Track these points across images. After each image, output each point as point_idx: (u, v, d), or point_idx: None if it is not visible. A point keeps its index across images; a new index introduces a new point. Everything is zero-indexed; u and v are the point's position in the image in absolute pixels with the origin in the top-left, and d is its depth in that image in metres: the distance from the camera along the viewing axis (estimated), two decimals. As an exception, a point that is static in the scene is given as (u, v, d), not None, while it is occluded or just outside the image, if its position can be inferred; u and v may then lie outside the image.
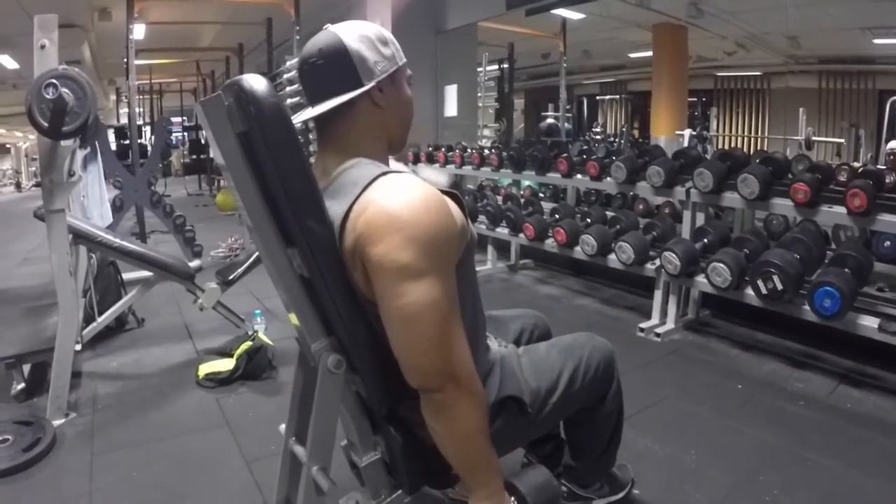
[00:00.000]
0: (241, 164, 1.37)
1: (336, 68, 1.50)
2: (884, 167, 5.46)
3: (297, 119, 1.55)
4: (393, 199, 1.38)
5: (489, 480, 1.50)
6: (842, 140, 10.34)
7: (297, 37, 8.67)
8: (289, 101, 8.01)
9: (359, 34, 1.51)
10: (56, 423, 3.04)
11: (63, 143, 2.99)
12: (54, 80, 2.75)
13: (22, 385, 3.38)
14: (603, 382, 1.99)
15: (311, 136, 7.80)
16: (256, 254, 3.87)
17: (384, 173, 1.46)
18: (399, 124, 1.64)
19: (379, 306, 1.40)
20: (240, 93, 1.30)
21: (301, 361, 1.74)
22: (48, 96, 2.73)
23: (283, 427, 1.84)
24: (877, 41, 10.29)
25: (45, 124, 2.79)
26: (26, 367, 3.45)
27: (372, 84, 1.51)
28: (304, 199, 1.36)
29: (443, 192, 1.48)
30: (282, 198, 1.35)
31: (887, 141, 8.14)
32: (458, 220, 1.47)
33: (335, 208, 1.44)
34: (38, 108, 2.77)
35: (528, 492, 1.55)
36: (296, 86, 8.22)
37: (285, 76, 8.51)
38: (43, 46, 2.90)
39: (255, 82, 1.32)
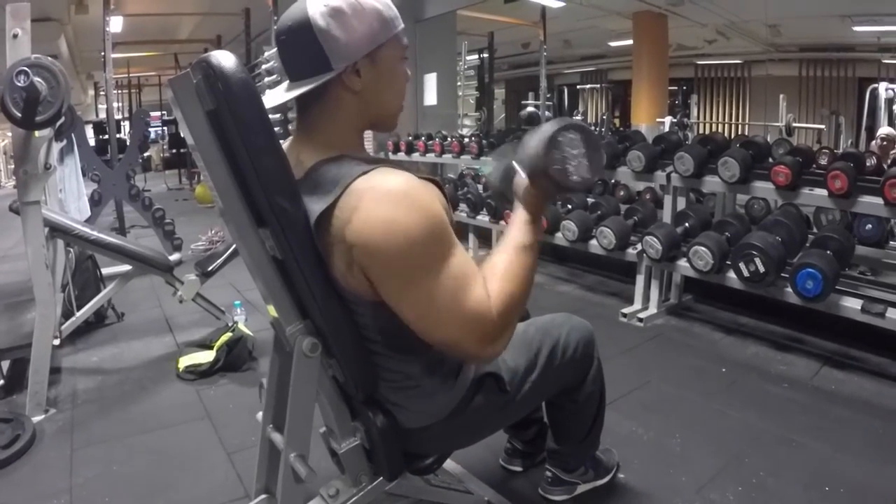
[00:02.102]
0: (210, 142, 1.33)
1: (303, 49, 1.40)
2: (874, 152, 5.48)
3: (266, 104, 1.50)
4: (381, 202, 1.31)
5: (532, 228, 1.58)
6: (822, 126, 10.39)
7: (276, 27, 8.62)
8: (267, 91, 7.96)
9: (332, 7, 1.36)
10: (35, 419, 3.01)
11: (37, 133, 2.94)
12: (26, 69, 2.70)
13: (0, 382, 3.35)
14: (583, 362, 1.97)
15: (290, 127, 7.75)
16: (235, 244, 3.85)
17: (364, 172, 1.36)
18: (382, 106, 1.53)
19: (396, 308, 1.37)
20: (208, 69, 1.27)
21: (277, 347, 1.72)
22: (19, 84, 2.68)
23: (260, 415, 1.81)
24: (856, 28, 10.35)
25: (18, 114, 2.75)
26: (5, 364, 3.41)
27: (341, 69, 1.40)
28: (274, 177, 1.32)
29: (423, 178, 1.42)
30: (252, 176, 1.32)
31: (868, 127, 8.19)
32: (442, 204, 1.41)
33: (312, 206, 1.37)
34: (11, 97, 2.72)
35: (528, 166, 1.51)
36: (274, 77, 8.18)
37: (263, 67, 8.47)
38: (15, 36, 2.86)
39: (224, 59, 1.28)
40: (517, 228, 1.54)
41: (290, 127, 7.75)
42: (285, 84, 1.51)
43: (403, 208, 1.31)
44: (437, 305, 1.33)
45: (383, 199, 1.31)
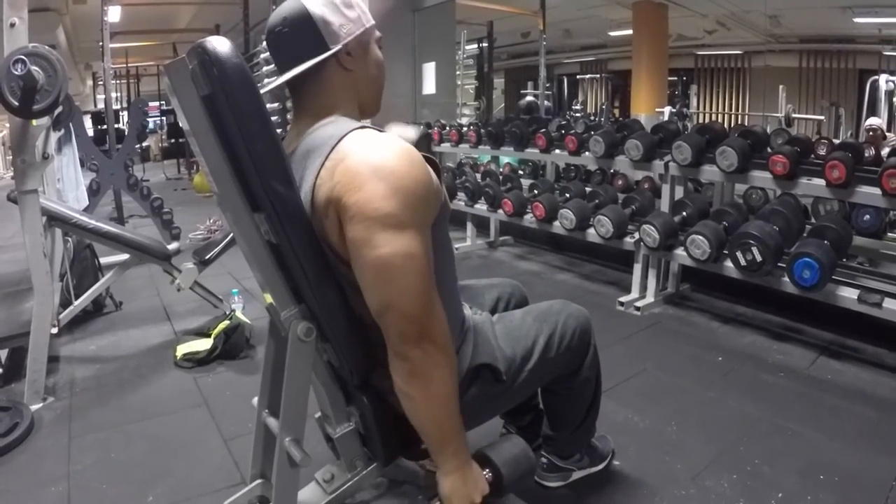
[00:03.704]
0: (206, 128, 1.34)
1: (301, 34, 1.50)
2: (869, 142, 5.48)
3: (266, 88, 1.54)
4: (375, 149, 1.38)
5: (459, 450, 1.47)
6: (822, 117, 10.36)
7: (268, 23, 8.59)
8: (266, 80, 7.95)
9: None
10: (34, 407, 3.02)
11: (35, 122, 2.94)
12: (23, 57, 2.69)
13: (-1, 370, 3.36)
14: (579, 349, 1.98)
15: (288, 117, 7.74)
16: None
17: (362, 127, 1.46)
18: (370, 87, 1.63)
19: (353, 258, 1.37)
20: (203, 55, 1.28)
21: (272, 332, 1.72)
22: (17, 72, 2.67)
23: (255, 400, 1.82)
24: (857, 20, 10.30)
25: (16, 103, 2.74)
26: (3, 353, 3.43)
27: (338, 47, 1.50)
28: (269, 161, 1.34)
29: (424, 155, 1.47)
30: (246, 160, 1.32)
31: (867, 119, 8.19)
32: (434, 180, 1.46)
33: (313, 162, 1.43)
34: (8, 86, 2.71)
35: (502, 464, 1.53)
36: (272, 66, 8.16)
37: (262, 56, 8.46)
38: (13, 25, 2.85)
39: (219, 44, 1.29)
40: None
41: (288, 117, 7.75)
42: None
43: (395, 160, 1.37)
44: (400, 271, 1.34)
45: (378, 148, 1.39)
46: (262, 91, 1.50)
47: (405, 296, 1.34)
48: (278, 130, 1.49)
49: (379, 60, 1.63)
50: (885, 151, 4.08)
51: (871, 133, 6.10)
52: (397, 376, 1.42)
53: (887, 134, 6.14)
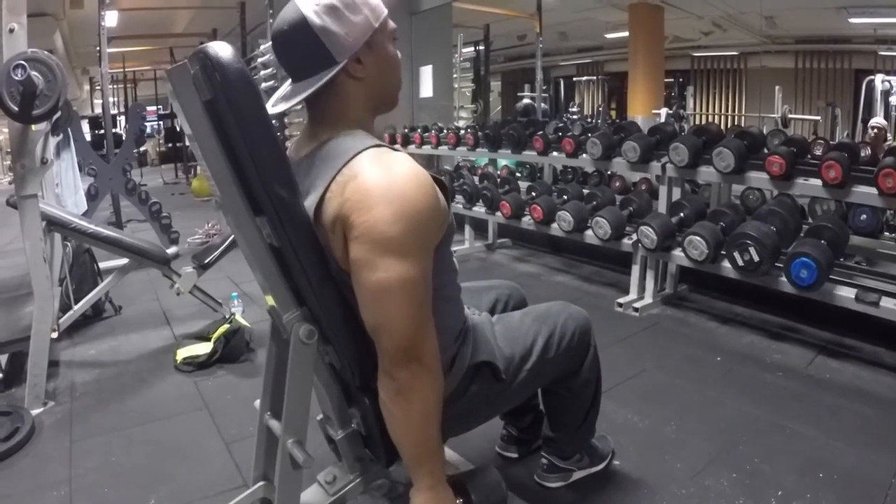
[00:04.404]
0: (208, 132, 1.35)
1: (305, 48, 1.45)
2: (865, 142, 5.49)
3: (276, 109, 1.53)
4: (386, 170, 1.37)
5: (433, 471, 1.48)
6: (818, 118, 10.37)
7: (271, 21, 8.59)
8: (263, 85, 7.97)
9: (324, 5, 1.42)
10: (34, 411, 3.01)
11: (34, 127, 2.95)
12: (23, 62, 2.70)
13: (-1, 375, 3.35)
14: (579, 350, 1.99)
15: (285, 121, 7.76)
16: (232, 237, 3.86)
17: (377, 145, 1.45)
18: (385, 88, 1.60)
19: (353, 276, 1.38)
20: (205, 60, 1.28)
21: (274, 335, 1.73)
22: (17, 78, 2.68)
23: (257, 402, 1.82)
24: (853, 20, 10.32)
25: (15, 108, 2.75)
26: (3, 358, 3.41)
27: (346, 60, 1.46)
28: (271, 165, 1.35)
29: (434, 176, 1.47)
30: (249, 165, 1.34)
31: (864, 119, 8.21)
32: (442, 204, 1.46)
33: (325, 172, 1.43)
34: (8, 91, 2.71)
35: (475, 492, 1.54)
36: (270, 70, 8.18)
37: (259, 60, 8.46)
38: (12, 30, 2.85)
39: (221, 49, 1.30)
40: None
41: (285, 120, 7.76)
42: (288, 85, 1.56)
43: (405, 183, 1.36)
44: (395, 296, 1.35)
45: (390, 170, 1.37)
46: (271, 110, 1.50)
47: (399, 320, 1.36)
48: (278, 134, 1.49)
49: (392, 59, 1.58)
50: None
51: (875, 131, 6.11)
52: (383, 392, 1.44)
53: (888, 135, 6.15)
